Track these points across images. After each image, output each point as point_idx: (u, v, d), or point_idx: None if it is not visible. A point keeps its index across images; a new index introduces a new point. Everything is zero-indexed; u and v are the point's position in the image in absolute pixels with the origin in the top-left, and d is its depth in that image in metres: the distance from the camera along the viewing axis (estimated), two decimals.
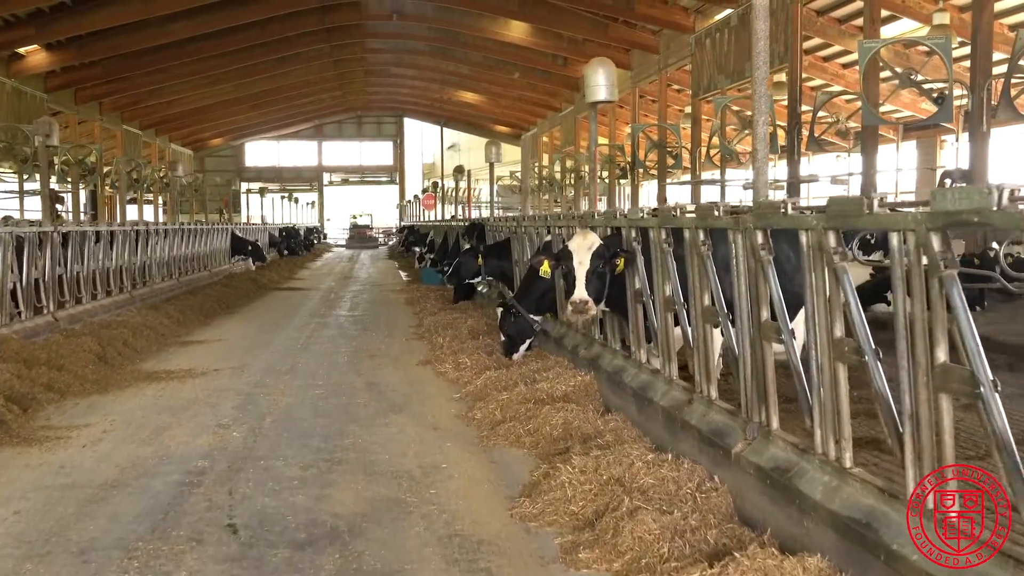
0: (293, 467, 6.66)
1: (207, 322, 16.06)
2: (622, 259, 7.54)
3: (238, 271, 26.15)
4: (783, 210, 4.65)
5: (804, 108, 21.02)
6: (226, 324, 16.03)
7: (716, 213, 5.47)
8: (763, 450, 5.01)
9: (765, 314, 5.03)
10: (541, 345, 10.74)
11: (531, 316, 10.44)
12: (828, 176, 27.68)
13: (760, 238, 4.98)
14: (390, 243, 58.68)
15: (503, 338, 10.57)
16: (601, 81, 9.28)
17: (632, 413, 7.24)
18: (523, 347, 10.43)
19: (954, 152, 29.06)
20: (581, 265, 7.68)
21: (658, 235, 6.75)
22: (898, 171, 25.70)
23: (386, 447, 7.22)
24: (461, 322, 13.62)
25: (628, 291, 7.66)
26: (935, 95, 15.55)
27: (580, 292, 7.67)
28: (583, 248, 7.73)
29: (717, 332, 6.08)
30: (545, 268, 8.47)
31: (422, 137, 69.96)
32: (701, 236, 5.86)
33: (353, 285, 25.74)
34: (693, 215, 6.09)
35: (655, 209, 7.77)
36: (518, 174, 48.00)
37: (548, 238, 11.32)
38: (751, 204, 5.39)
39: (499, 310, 10.67)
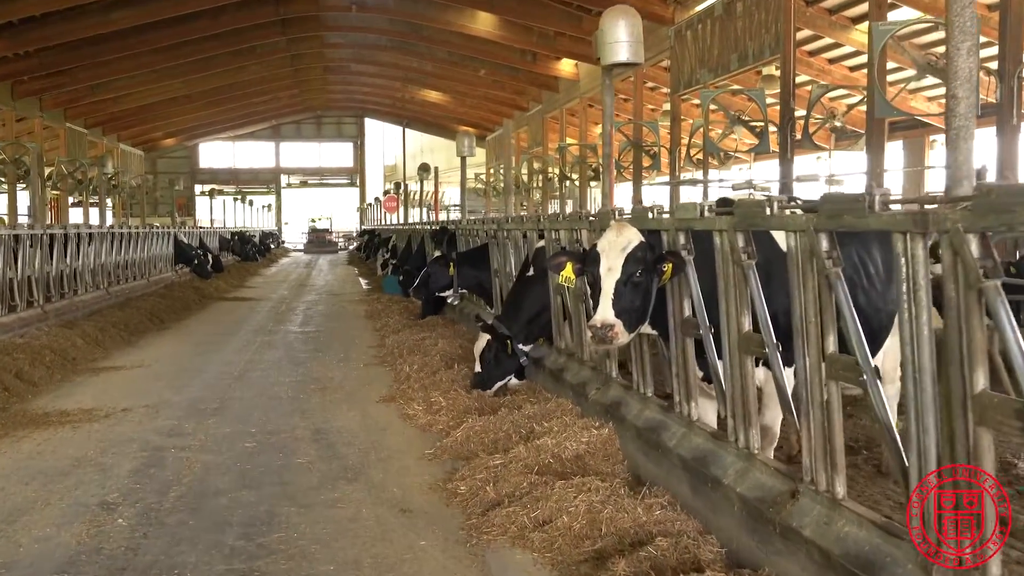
0: None
1: (132, 341, 13.70)
2: (669, 265, 5.27)
3: (182, 280, 23.58)
4: None
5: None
6: (154, 344, 13.69)
7: (866, 207, 3.35)
8: None
9: (982, 382, 2.94)
10: (532, 378, 8.65)
11: (519, 346, 8.38)
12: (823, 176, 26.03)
13: (976, 248, 2.88)
14: (350, 248, 56.36)
15: (478, 368, 8.52)
16: (622, 36, 6.97)
17: (682, 492, 5.10)
18: (498, 384, 8.46)
19: (943, 152, 27.42)
20: (610, 272, 5.28)
21: (731, 242, 4.59)
22: (885, 171, 24.08)
23: (332, 546, 5.02)
24: (431, 344, 11.41)
25: (671, 317, 5.51)
26: None
27: (603, 312, 5.22)
28: (615, 249, 5.33)
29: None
30: (567, 273, 5.97)
31: (383, 138, 67.59)
32: (825, 244, 3.75)
33: (308, 294, 23.41)
34: (799, 212, 4.00)
35: (723, 202, 5.48)
36: (482, 176, 45.89)
37: (540, 243, 9.22)
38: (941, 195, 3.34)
39: (482, 334, 8.54)
